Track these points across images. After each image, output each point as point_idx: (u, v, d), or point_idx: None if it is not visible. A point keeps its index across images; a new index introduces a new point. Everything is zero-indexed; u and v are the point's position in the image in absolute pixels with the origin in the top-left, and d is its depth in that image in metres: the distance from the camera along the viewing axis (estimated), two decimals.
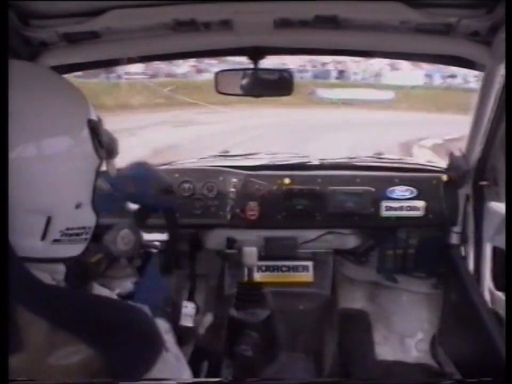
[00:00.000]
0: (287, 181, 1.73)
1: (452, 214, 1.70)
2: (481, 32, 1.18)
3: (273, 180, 1.73)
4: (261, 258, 1.65)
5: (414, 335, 1.93)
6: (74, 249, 0.72)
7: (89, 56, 1.35)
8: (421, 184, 1.72)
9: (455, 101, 13.39)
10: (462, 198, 1.68)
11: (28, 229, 0.66)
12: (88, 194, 0.72)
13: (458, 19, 1.14)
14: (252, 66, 1.38)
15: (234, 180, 1.73)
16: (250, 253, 1.58)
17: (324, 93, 16.02)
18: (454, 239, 1.73)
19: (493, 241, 1.48)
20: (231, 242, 1.74)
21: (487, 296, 1.50)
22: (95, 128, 0.71)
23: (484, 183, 1.54)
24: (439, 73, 17.81)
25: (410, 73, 17.40)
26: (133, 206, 1.24)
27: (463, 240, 1.68)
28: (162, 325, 0.98)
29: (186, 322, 1.21)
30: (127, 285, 1.21)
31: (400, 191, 1.72)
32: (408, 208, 1.71)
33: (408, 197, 1.72)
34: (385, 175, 1.77)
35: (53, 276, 0.69)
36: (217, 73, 1.45)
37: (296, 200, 1.71)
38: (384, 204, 1.72)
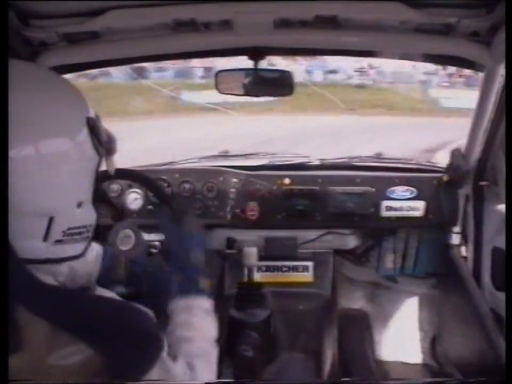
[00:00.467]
0: (287, 181, 1.72)
1: (452, 214, 1.70)
2: (481, 32, 1.17)
3: (273, 180, 1.73)
4: (261, 258, 1.65)
5: (414, 335, 1.93)
6: (76, 248, 0.72)
7: (89, 56, 1.35)
8: (421, 184, 1.72)
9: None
10: (462, 198, 1.68)
11: (29, 231, 0.66)
12: (89, 193, 0.72)
13: (458, 19, 1.14)
14: (252, 66, 1.39)
15: (234, 180, 1.73)
16: (251, 253, 1.58)
17: (187, 96, 12.56)
18: (454, 239, 1.73)
19: (492, 241, 1.48)
20: (231, 243, 1.74)
21: (487, 296, 1.50)
22: (93, 126, 0.70)
23: (484, 183, 1.54)
24: (320, 68, 15.01)
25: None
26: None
27: (463, 240, 1.69)
28: (205, 303, 0.93)
29: None
30: (127, 285, 1.21)
31: (400, 191, 1.72)
32: (408, 208, 1.71)
33: (408, 197, 1.72)
34: (385, 175, 1.77)
35: (55, 277, 0.69)
36: (217, 73, 1.45)
37: (296, 200, 1.71)
38: (384, 204, 1.72)
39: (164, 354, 0.71)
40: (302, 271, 1.82)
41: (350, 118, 11.44)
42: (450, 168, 1.65)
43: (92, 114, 0.72)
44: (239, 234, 1.74)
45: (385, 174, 1.78)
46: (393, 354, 1.89)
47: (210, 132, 8.76)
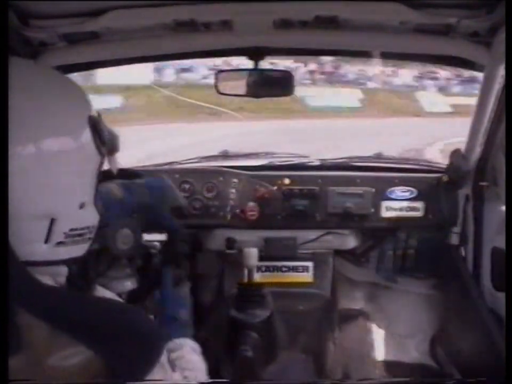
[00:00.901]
0: (287, 181, 1.72)
1: (452, 215, 1.70)
2: (481, 32, 1.18)
3: (273, 180, 1.73)
4: (260, 258, 1.65)
5: (414, 335, 1.93)
6: (78, 250, 0.71)
7: (89, 56, 1.35)
8: (420, 184, 1.72)
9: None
10: (462, 199, 1.68)
11: (30, 233, 0.65)
12: (91, 193, 0.71)
13: (458, 20, 1.14)
14: (251, 66, 1.39)
15: (234, 180, 1.73)
16: (251, 253, 1.58)
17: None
18: (454, 239, 1.73)
19: (492, 241, 1.48)
20: (231, 243, 1.74)
21: (486, 296, 1.50)
22: (95, 125, 0.69)
23: (484, 183, 1.54)
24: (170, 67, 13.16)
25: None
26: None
27: (463, 240, 1.68)
28: (190, 344, 0.99)
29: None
30: (127, 285, 1.21)
31: (400, 191, 1.72)
32: (408, 209, 1.72)
33: (408, 197, 1.72)
34: (385, 176, 1.77)
35: (55, 278, 0.69)
36: (217, 74, 1.45)
37: (296, 200, 1.71)
38: (384, 204, 1.72)
39: (164, 357, 0.71)
40: (302, 272, 1.82)
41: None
42: (450, 168, 1.65)
43: (93, 112, 0.71)
44: (239, 235, 1.74)
45: (385, 174, 1.79)
46: (393, 354, 1.89)
47: None
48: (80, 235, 0.70)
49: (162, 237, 1.29)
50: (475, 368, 1.46)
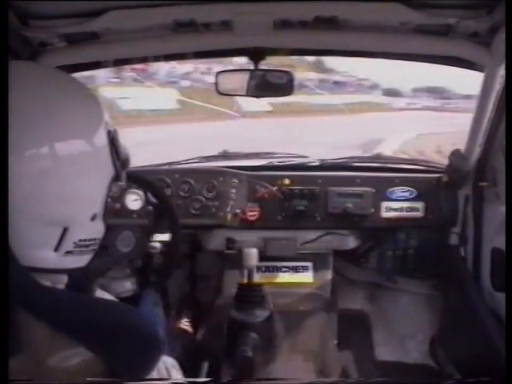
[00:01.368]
0: (287, 181, 1.73)
1: (452, 215, 1.70)
2: (481, 33, 1.18)
3: (273, 180, 1.73)
4: (260, 259, 1.65)
5: (414, 335, 1.93)
6: (82, 261, 0.72)
7: (89, 56, 1.35)
8: (420, 184, 1.72)
9: None
10: (462, 199, 1.68)
11: (42, 240, 0.65)
12: (102, 206, 0.71)
13: (458, 20, 1.14)
14: (252, 67, 1.39)
15: (234, 180, 1.73)
16: (251, 254, 1.58)
17: None
18: (454, 239, 1.73)
19: (492, 242, 1.48)
20: (230, 243, 1.74)
21: (486, 296, 1.50)
22: (113, 139, 0.70)
23: (484, 184, 1.54)
24: None
25: None
26: None
27: (463, 241, 1.68)
28: (167, 360, 0.98)
29: None
30: (127, 286, 1.21)
31: (400, 191, 1.72)
32: (408, 209, 1.72)
33: (408, 197, 1.72)
34: (385, 176, 1.77)
35: (55, 285, 0.69)
36: (217, 74, 1.45)
37: (296, 200, 1.71)
38: (384, 204, 1.72)
39: (163, 358, 0.71)
40: (302, 272, 1.82)
41: None
42: (450, 168, 1.65)
43: (110, 126, 0.71)
44: (239, 235, 1.74)
45: (385, 174, 1.79)
46: (393, 354, 1.89)
47: None
48: (87, 246, 0.70)
49: (162, 237, 1.29)
50: (475, 368, 1.46)
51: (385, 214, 1.72)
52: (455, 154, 1.62)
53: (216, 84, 1.45)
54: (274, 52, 1.39)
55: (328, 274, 1.85)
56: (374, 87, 23.32)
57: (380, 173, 1.80)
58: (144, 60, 1.55)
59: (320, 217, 1.73)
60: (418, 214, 1.71)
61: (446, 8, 1.13)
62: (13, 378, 0.57)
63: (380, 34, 1.26)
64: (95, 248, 0.73)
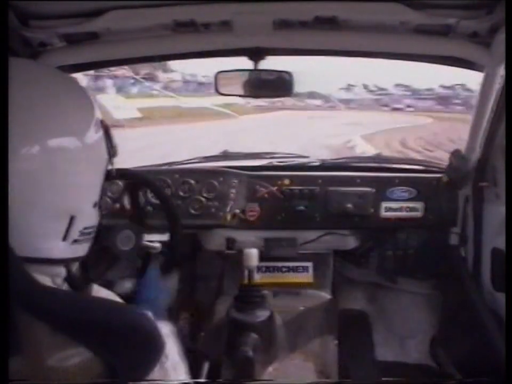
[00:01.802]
0: (287, 181, 1.73)
1: (452, 215, 1.70)
2: (481, 33, 1.18)
3: (273, 180, 1.73)
4: (260, 259, 1.65)
5: (414, 335, 1.93)
6: (85, 249, 0.73)
7: (89, 57, 1.35)
8: (420, 185, 1.72)
9: None
10: (462, 199, 1.68)
11: (51, 230, 0.66)
12: (99, 193, 0.74)
13: (457, 20, 1.14)
14: (251, 67, 1.39)
15: (234, 180, 1.73)
16: (251, 254, 1.58)
17: None
18: (454, 239, 1.73)
19: (492, 242, 1.48)
20: (231, 243, 1.74)
21: (486, 297, 1.50)
22: (107, 129, 0.73)
23: (484, 184, 1.54)
24: None
25: None
26: None
27: (463, 241, 1.68)
28: (163, 328, 0.98)
29: None
30: (127, 285, 1.21)
31: (399, 191, 1.72)
32: (408, 209, 1.71)
33: (408, 197, 1.72)
34: (385, 176, 1.77)
35: (53, 278, 0.69)
36: (217, 74, 1.45)
37: (296, 200, 1.71)
38: (384, 204, 1.72)
39: (164, 356, 0.71)
40: (302, 272, 1.82)
41: None
42: (450, 168, 1.65)
43: (100, 116, 0.74)
44: (239, 235, 1.74)
45: (385, 174, 1.79)
46: (393, 355, 1.89)
47: None
48: (89, 233, 0.72)
49: (162, 237, 1.29)
50: (475, 368, 1.46)
51: (385, 214, 1.72)
52: (455, 154, 1.62)
53: (215, 83, 1.45)
54: (274, 51, 1.39)
55: (328, 274, 1.85)
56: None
57: (380, 173, 1.80)
58: (144, 59, 1.55)
59: (320, 217, 1.72)
60: (418, 214, 1.71)
61: (446, 8, 1.13)
62: (13, 378, 0.57)
63: (379, 34, 1.26)
64: (93, 236, 0.75)
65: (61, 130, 0.65)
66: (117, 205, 1.58)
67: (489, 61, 1.27)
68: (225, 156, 2.03)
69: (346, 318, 1.91)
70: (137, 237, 1.13)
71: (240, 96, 1.49)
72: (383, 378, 1.75)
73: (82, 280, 0.80)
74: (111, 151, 0.75)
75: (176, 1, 1.11)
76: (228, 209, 1.71)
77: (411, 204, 1.71)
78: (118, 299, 0.79)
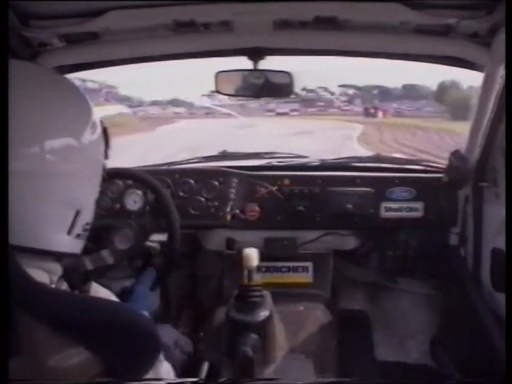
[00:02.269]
0: (287, 181, 1.72)
1: (452, 215, 1.70)
2: (481, 33, 1.18)
3: (273, 180, 1.73)
4: (260, 259, 1.65)
5: (414, 336, 1.93)
6: (81, 246, 0.75)
7: (88, 57, 1.35)
8: (420, 185, 1.72)
9: None
10: (462, 199, 1.68)
11: (57, 222, 0.68)
12: (99, 191, 0.76)
13: (457, 20, 1.14)
14: (251, 67, 1.39)
15: (234, 180, 1.73)
16: (251, 254, 1.58)
17: None
18: (454, 240, 1.73)
19: (492, 242, 1.48)
20: (231, 243, 1.74)
21: (486, 297, 1.50)
22: (105, 129, 0.75)
23: (484, 184, 1.54)
24: None
25: None
26: None
27: (463, 241, 1.68)
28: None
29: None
30: (126, 285, 1.21)
31: (399, 192, 1.72)
32: (408, 209, 1.71)
33: (408, 198, 1.72)
34: (385, 176, 1.77)
35: (50, 275, 0.69)
36: (217, 74, 1.45)
37: (296, 200, 1.71)
38: (384, 204, 1.72)
39: (161, 356, 0.71)
40: (302, 272, 1.82)
41: None
42: (450, 168, 1.65)
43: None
44: (239, 235, 1.74)
45: (384, 174, 1.78)
46: (393, 355, 1.89)
47: None
48: (88, 230, 0.74)
49: (162, 237, 1.29)
50: (475, 368, 1.46)
51: (385, 214, 1.72)
52: (455, 154, 1.62)
53: (215, 83, 1.45)
54: (274, 51, 1.39)
55: (328, 275, 1.85)
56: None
57: (380, 173, 1.80)
58: (144, 59, 1.55)
59: (320, 217, 1.72)
60: (418, 214, 1.71)
61: (446, 8, 1.13)
62: (13, 378, 0.57)
63: (379, 34, 1.26)
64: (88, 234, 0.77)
65: (61, 130, 0.66)
66: (117, 205, 1.58)
67: (489, 61, 1.27)
68: (225, 155, 2.03)
69: (346, 318, 1.91)
70: (135, 236, 1.13)
71: (240, 96, 1.49)
72: (383, 378, 1.75)
73: (81, 279, 0.80)
74: (107, 152, 0.76)
75: (176, 1, 1.11)
76: (228, 209, 1.71)
77: (411, 204, 1.71)
78: (116, 299, 0.79)
